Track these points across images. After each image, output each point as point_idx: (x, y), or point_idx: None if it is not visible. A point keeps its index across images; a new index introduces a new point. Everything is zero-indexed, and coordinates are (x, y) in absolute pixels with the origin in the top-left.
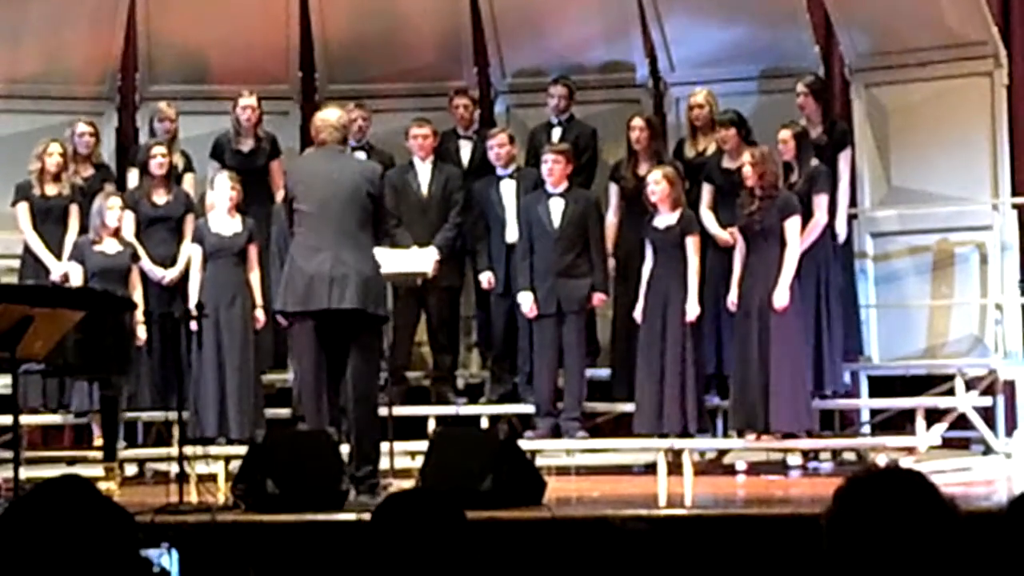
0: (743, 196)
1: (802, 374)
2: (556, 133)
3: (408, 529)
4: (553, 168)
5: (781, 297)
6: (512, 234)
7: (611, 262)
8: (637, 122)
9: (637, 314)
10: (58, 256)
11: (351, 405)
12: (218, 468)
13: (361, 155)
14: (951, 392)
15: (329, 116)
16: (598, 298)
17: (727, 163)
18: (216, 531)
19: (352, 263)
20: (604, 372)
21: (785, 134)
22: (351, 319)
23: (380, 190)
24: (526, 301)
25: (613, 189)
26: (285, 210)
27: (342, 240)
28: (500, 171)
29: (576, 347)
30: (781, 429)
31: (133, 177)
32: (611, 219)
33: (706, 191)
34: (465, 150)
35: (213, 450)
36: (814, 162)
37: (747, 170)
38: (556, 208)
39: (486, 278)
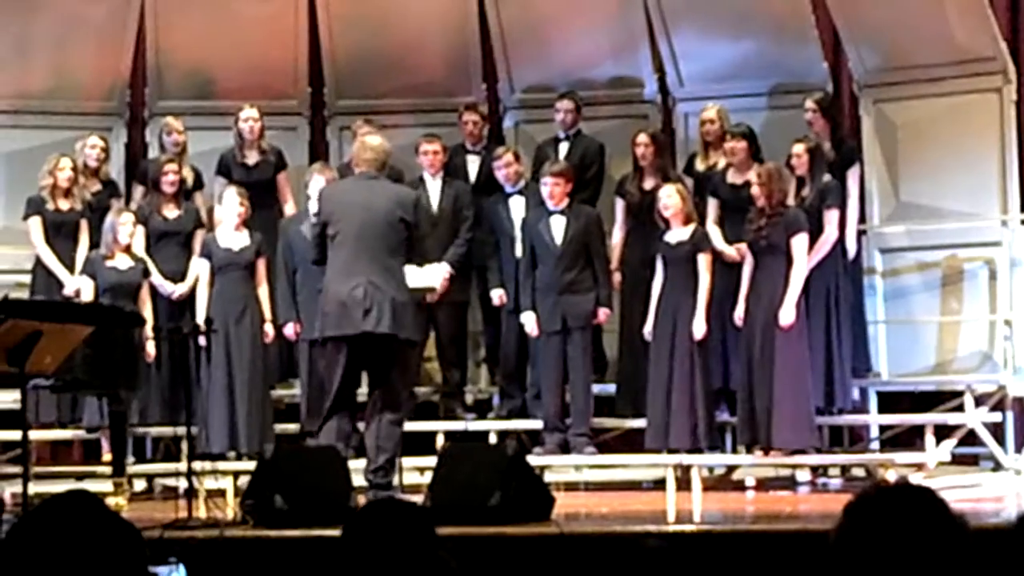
0: (752, 212)
1: (806, 391)
2: (563, 148)
3: (378, 543)
4: (553, 191)
5: (787, 314)
6: (521, 250)
7: (616, 277)
8: (642, 137)
9: (647, 330)
10: (70, 270)
11: (376, 421)
12: (227, 483)
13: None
14: (960, 408)
15: (371, 141)
16: (603, 313)
17: (733, 178)
18: (225, 546)
19: (386, 289)
20: (612, 388)
21: (799, 148)
22: (384, 343)
23: (415, 216)
24: (529, 321)
25: (619, 204)
26: (316, 233)
27: (375, 267)
28: (509, 188)
29: (582, 363)
30: (783, 446)
31: (139, 194)
32: (617, 234)
33: (712, 206)
34: (473, 165)
35: (222, 465)
36: (826, 177)
37: (755, 189)
38: (558, 226)
39: (497, 295)
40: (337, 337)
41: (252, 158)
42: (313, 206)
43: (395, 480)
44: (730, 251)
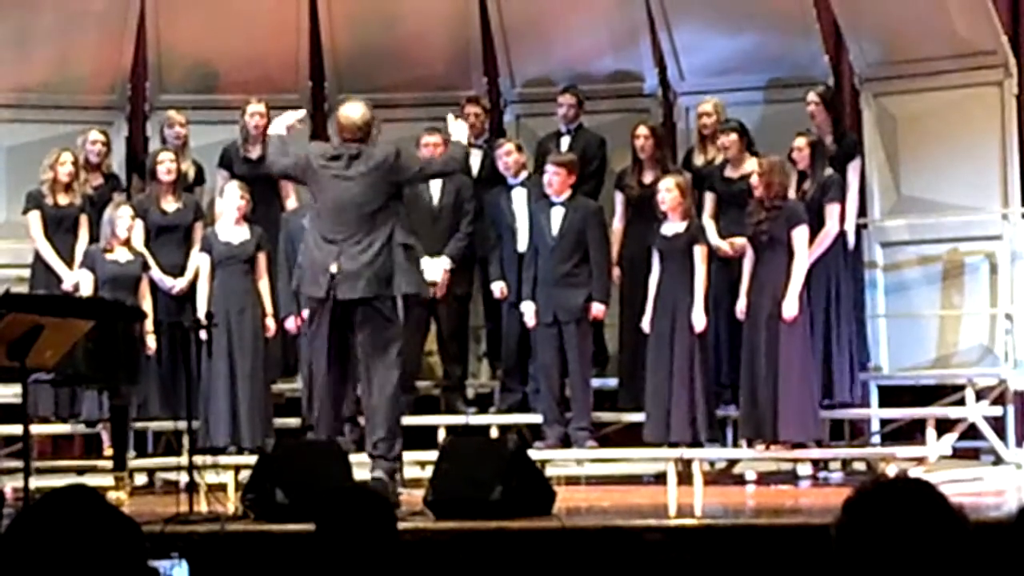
0: (751, 205)
1: (810, 384)
2: (565, 142)
3: (341, 530)
4: (552, 180)
5: (790, 307)
6: (523, 243)
7: (615, 271)
8: (642, 130)
9: (645, 323)
10: (69, 265)
11: (372, 391)
12: (227, 478)
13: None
14: (961, 402)
15: (351, 114)
16: (596, 308)
17: (729, 172)
18: (225, 541)
19: (365, 260)
20: (613, 382)
21: (800, 142)
22: (364, 308)
23: (401, 172)
24: (528, 310)
25: (618, 197)
26: (301, 161)
27: (354, 238)
28: (511, 180)
29: (578, 357)
30: (789, 439)
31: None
32: (616, 227)
33: (708, 200)
34: (475, 159)
35: (223, 460)
36: (827, 171)
37: (754, 180)
38: (556, 217)
39: (498, 287)
40: (318, 301)
41: (255, 153)
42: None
43: (399, 449)
44: (724, 246)
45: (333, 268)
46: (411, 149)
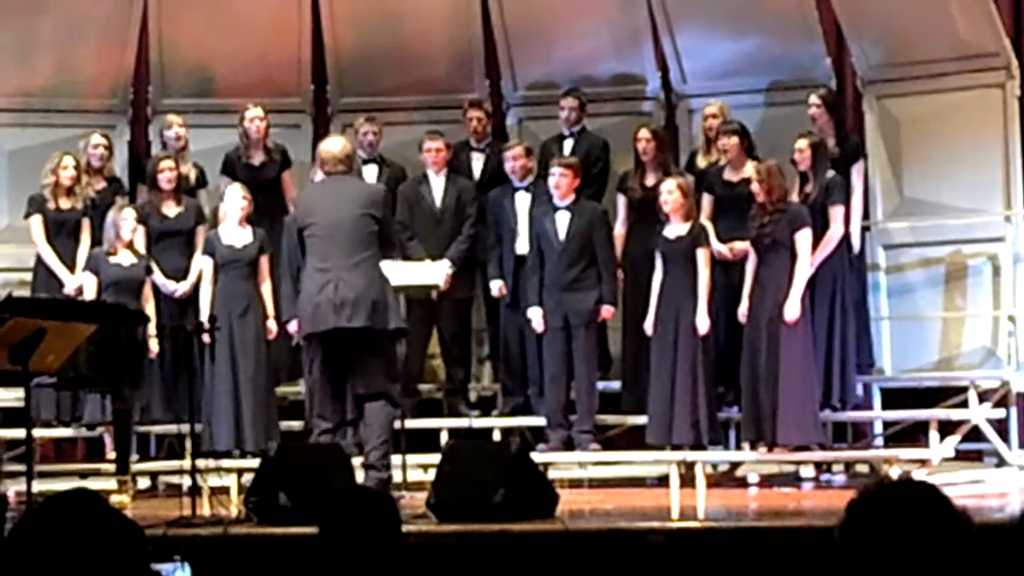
0: (754, 209)
1: (811, 387)
2: (568, 145)
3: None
4: (560, 182)
5: (792, 310)
6: (522, 246)
7: (619, 273)
8: (644, 133)
9: (648, 326)
10: (71, 269)
11: (366, 409)
12: (230, 481)
13: (372, 169)
14: (964, 404)
15: (332, 148)
16: (606, 311)
17: (728, 175)
18: (228, 544)
19: (360, 286)
20: (616, 384)
21: (802, 143)
22: (360, 337)
23: (384, 211)
24: (535, 316)
25: (621, 200)
26: (295, 233)
27: (347, 264)
28: (516, 183)
29: (585, 360)
30: (788, 442)
31: (144, 193)
32: (618, 230)
33: (706, 202)
34: (477, 162)
35: (225, 463)
36: (830, 173)
37: (755, 186)
38: (562, 221)
39: (496, 286)
40: (313, 334)
41: (257, 158)
42: None
43: (391, 461)
44: (723, 249)
45: (333, 298)
46: (393, 224)
